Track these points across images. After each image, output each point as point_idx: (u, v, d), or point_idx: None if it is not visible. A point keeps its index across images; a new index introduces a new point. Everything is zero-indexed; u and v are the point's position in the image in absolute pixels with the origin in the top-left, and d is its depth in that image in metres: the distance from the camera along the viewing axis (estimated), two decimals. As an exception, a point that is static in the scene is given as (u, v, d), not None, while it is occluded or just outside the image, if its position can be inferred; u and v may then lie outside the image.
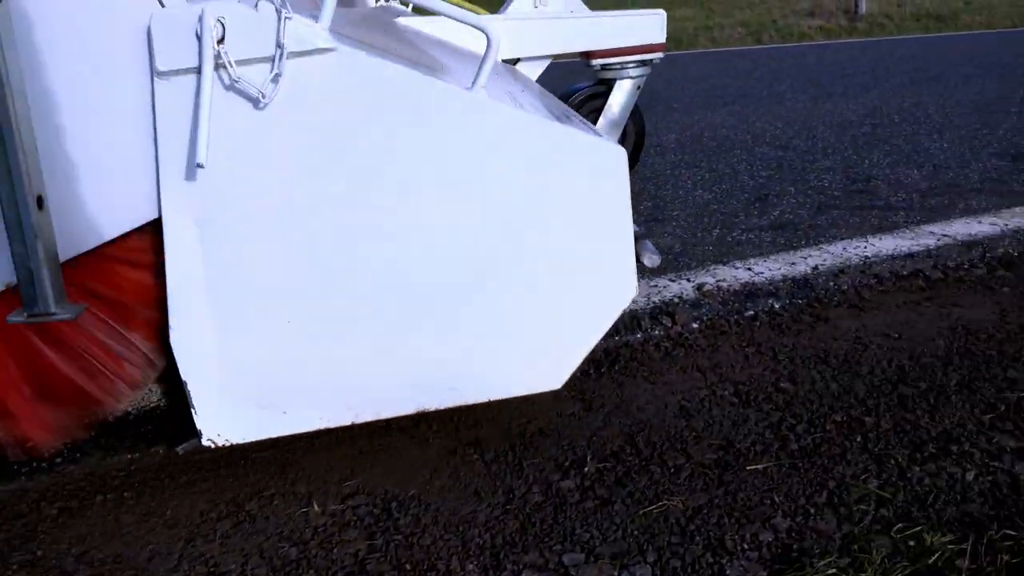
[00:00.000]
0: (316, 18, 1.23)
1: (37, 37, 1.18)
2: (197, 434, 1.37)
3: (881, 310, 1.99)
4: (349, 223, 1.30)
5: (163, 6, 1.19)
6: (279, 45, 1.18)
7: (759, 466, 1.40)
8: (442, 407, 1.44)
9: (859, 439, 1.46)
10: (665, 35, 1.88)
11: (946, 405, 1.55)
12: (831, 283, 2.16)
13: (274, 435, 1.40)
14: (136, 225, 1.28)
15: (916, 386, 1.63)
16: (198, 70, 1.18)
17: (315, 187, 1.28)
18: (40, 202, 1.20)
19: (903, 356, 1.75)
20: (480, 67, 1.28)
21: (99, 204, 1.26)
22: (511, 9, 1.95)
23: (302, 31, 1.19)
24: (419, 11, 1.90)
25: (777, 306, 2.02)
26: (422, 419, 1.58)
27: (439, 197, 1.31)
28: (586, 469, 1.41)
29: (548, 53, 1.90)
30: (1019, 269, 2.21)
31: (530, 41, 1.84)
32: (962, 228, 2.57)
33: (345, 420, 1.41)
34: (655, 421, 1.55)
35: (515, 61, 1.95)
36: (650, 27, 1.72)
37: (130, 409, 1.65)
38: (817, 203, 2.91)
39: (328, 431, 1.54)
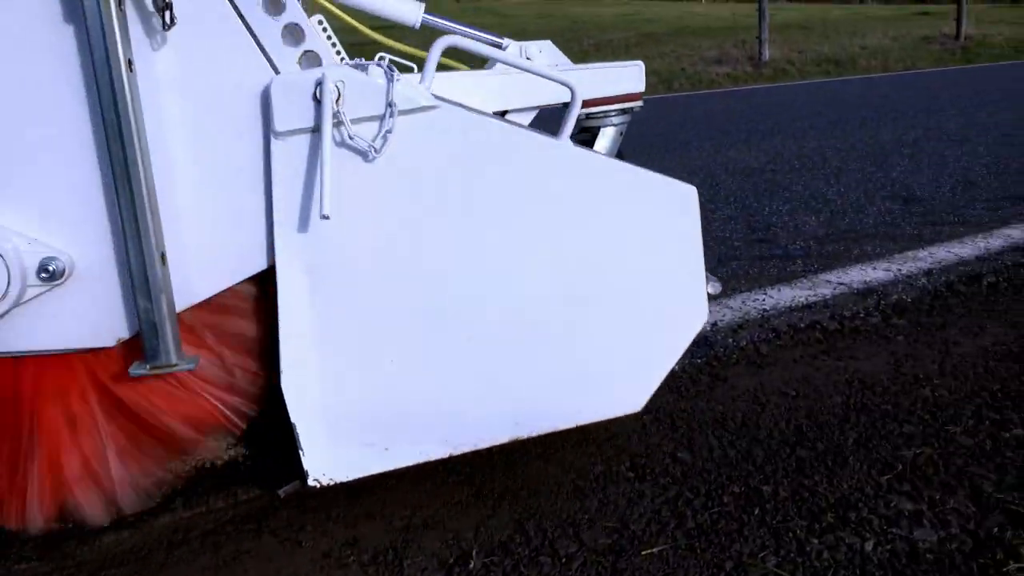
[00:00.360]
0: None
1: (158, 100, 1.24)
2: (302, 475, 1.40)
3: (779, 366, 1.96)
4: (448, 266, 1.39)
5: (278, 72, 1.27)
6: (390, 104, 1.27)
7: (654, 549, 1.32)
8: (533, 435, 1.50)
9: (757, 511, 1.40)
10: (644, 84, 1.90)
11: (843, 467, 1.52)
12: (730, 339, 2.13)
13: (375, 471, 1.45)
14: (246, 276, 1.35)
15: (814, 448, 1.59)
16: (313, 129, 1.27)
17: (417, 234, 1.36)
18: (163, 258, 1.26)
19: (801, 415, 1.72)
20: (566, 119, 1.42)
21: (211, 256, 1.32)
22: (499, 64, 1.95)
23: (408, 91, 1.29)
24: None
25: (676, 367, 1.97)
26: (296, 520, 1.46)
27: (531, 238, 1.41)
28: (471, 565, 1.31)
29: (536, 105, 1.94)
30: (912, 316, 2.23)
31: (519, 94, 1.87)
32: (858, 275, 2.59)
33: (442, 453, 1.47)
34: (547, 505, 1.46)
35: (503, 113, 1.94)
36: (630, 78, 1.78)
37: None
38: (718, 255, 2.91)
39: (184, 538, 1.42)
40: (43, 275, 1.23)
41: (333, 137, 1.28)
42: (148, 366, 1.28)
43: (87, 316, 1.29)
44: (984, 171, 4.14)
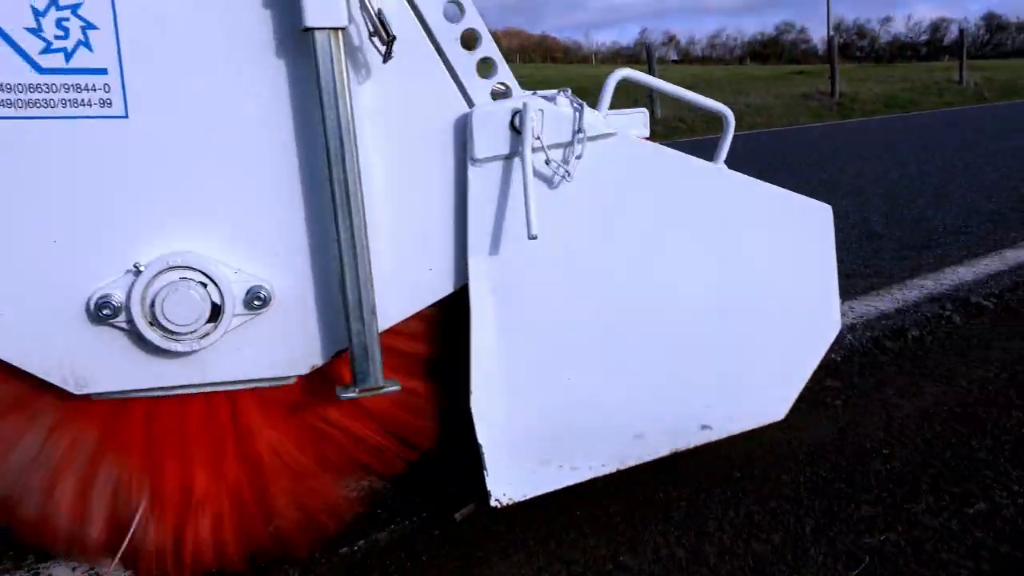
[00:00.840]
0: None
1: (360, 130, 1.26)
2: (483, 496, 1.42)
3: (720, 443, 1.79)
4: (622, 285, 1.46)
5: (471, 104, 1.32)
6: (580, 131, 1.35)
7: None
8: (690, 446, 1.58)
9: (718, 627, 1.21)
10: (649, 130, 1.81)
11: (806, 563, 1.34)
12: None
13: (550, 489, 1.48)
14: (437, 299, 1.38)
15: (769, 540, 1.41)
16: (507, 156, 1.34)
17: (596, 252, 1.42)
18: (371, 283, 1.27)
19: (749, 500, 1.54)
20: (721, 144, 1.63)
21: (403, 282, 1.35)
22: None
23: (591, 119, 1.37)
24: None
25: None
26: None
27: (692, 255, 1.50)
28: None
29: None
30: (845, 377, 2.11)
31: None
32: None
33: (611, 468, 1.53)
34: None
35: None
36: (638, 123, 1.68)
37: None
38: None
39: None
40: (255, 303, 1.25)
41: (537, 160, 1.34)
42: (357, 389, 1.28)
43: (283, 345, 1.30)
44: (884, 221, 4.18)
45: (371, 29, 1.21)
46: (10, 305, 1.19)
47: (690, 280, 1.51)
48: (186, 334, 1.22)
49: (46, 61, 1.15)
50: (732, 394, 1.60)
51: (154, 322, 1.21)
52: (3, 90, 1.14)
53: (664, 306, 1.50)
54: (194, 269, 1.22)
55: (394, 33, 1.21)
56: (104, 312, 1.20)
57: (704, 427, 1.59)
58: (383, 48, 1.22)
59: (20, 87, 1.14)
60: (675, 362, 1.53)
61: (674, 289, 1.50)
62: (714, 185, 1.50)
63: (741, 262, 1.54)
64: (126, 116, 1.19)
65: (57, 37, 1.14)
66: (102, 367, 1.25)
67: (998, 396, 1.93)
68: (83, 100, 1.17)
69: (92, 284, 1.22)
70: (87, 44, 1.16)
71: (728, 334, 1.56)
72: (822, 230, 1.61)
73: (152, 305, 1.20)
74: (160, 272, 1.20)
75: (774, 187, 1.55)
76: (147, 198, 1.21)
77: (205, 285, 1.22)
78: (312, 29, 1.17)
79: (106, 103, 1.18)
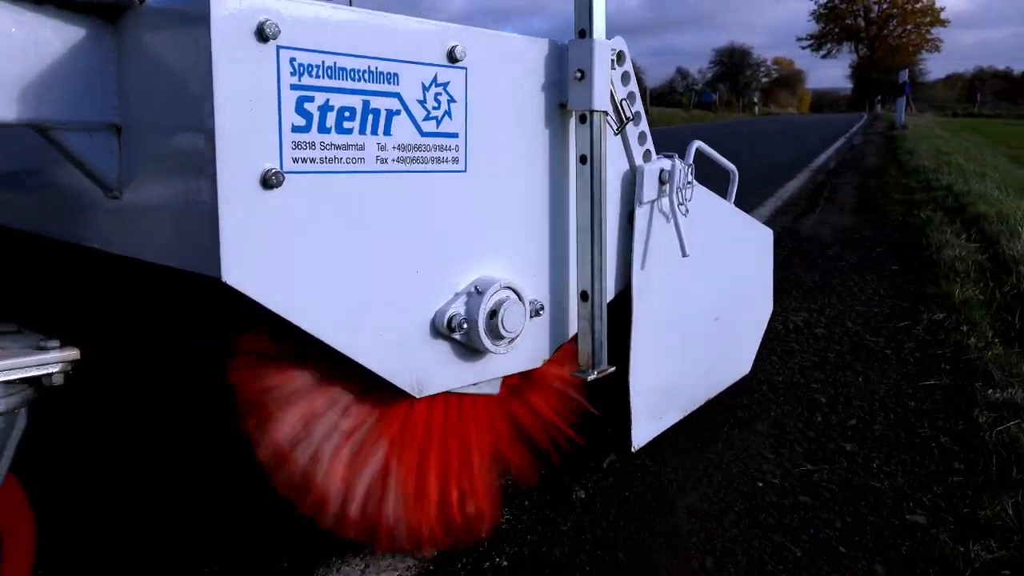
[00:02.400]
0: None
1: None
2: (623, 447, 2.00)
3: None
4: (694, 286, 2.10)
5: (637, 164, 1.86)
6: (691, 182, 1.97)
7: None
8: (711, 397, 2.33)
9: None
10: None
11: (784, 442, 2.11)
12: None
13: (652, 437, 2.08)
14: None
15: (759, 430, 2.15)
16: (655, 200, 1.91)
17: (684, 265, 2.00)
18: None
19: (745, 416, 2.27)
20: (731, 191, 2.38)
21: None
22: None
23: (687, 172, 1.95)
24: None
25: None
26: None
27: (725, 264, 2.24)
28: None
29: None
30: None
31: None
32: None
33: (679, 416, 2.19)
34: None
35: None
36: None
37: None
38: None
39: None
40: (539, 313, 1.68)
41: (668, 203, 1.94)
42: (595, 371, 1.71)
43: (532, 344, 1.70)
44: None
45: (610, 112, 1.69)
46: (383, 325, 1.43)
47: (723, 282, 2.20)
48: (508, 340, 1.57)
49: (426, 127, 1.44)
50: (731, 359, 2.36)
51: (490, 331, 1.54)
52: (402, 149, 1.40)
53: (710, 301, 2.17)
54: (510, 288, 1.57)
55: (630, 116, 1.71)
56: (452, 326, 1.50)
57: (718, 382, 2.31)
58: (615, 125, 1.71)
59: (410, 147, 1.42)
60: (711, 339, 2.22)
61: (717, 289, 2.18)
62: (733, 217, 2.22)
63: (741, 268, 2.28)
64: (465, 171, 1.51)
65: (433, 108, 1.44)
66: (434, 373, 1.53)
67: (807, 351, 2.95)
68: (443, 158, 1.47)
69: (434, 305, 1.51)
70: (449, 114, 1.47)
71: (733, 318, 2.28)
72: (768, 245, 2.44)
73: (492, 317, 1.53)
74: (495, 292, 1.54)
75: (751, 218, 2.31)
76: (470, 234, 1.54)
77: (521, 300, 1.58)
78: (593, 111, 1.62)
79: (456, 160, 1.49)
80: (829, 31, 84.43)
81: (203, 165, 1.19)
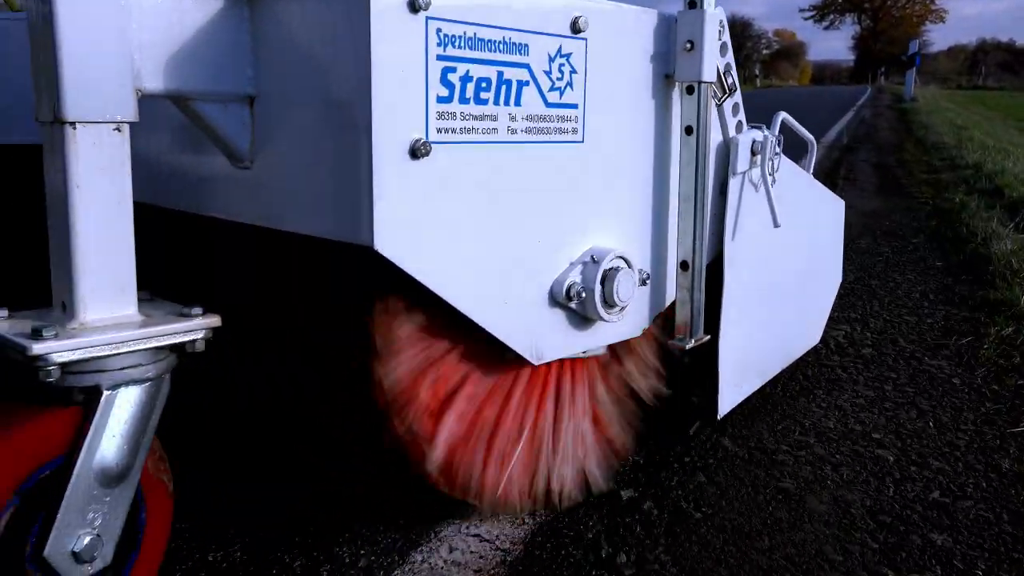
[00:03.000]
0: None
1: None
2: (711, 415, 2.01)
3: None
4: (777, 256, 2.11)
5: (731, 135, 1.86)
6: (778, 153, 1.98)
7: None
8: (786, 365, 2.34)
9: None
10: None
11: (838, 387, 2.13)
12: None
13: (735, 405, 2.07)
14: None
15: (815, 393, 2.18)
16: (747, 170, 1.90)
17: (773, 233, 2.04)
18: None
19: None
20: (808, 161, 2.43)
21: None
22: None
23: (776, 143, 1.95)
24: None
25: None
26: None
27: (802, 233, 2.25)
28: None
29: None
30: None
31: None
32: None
33: (759, 384, 2.20)
34: None
35: None
36: None
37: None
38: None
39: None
40: (645, 282, 1.72)
41: (758, 174, 1.94)
42: (693, 339, 1.75)
43: (635, 313, 1.71)
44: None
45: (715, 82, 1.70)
46: (509, 294, 1.46)
47: (802, 252, 2.22)
48: (619, 309, 1.59)
49: (551, 97, 1.45)
50: (804, 328, 2.38)
51: (604, 300, 1.56)
52: (530, 120, 1.42)
53: (791, 271, 2.19)
54: (622, 258, 1.59)
55: (731, 87, 1.72)
56: (571, 295, 1.52)
57: (793, 351, 2.34)
58: (720, 95, 1.72)
59: (537, 117, 1.43)
60: (790, 308, 2.24)
61: (797, 258, 2.20)
62: (811, 187, 2.24)
63: (817, 238, 2.30)
64: (583, 142, 1.53)
65: (557, 78, 1.45)
66: (551, 340, 1.56)
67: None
68: (564, 128, 1.49)
69: (553, 274, 1.53)
70: (571, 85, 1.48)
71: (807, 289, 2.31)
72: (840, 215, 2.46)
73: (607, 286, 1.55)
74: (611, 261, 1.56)
75: (826, 188, 2.32)
76: (585, 204, 1.56)
77: (631, 269, 1.61)
78: (701, 83, 1.63)
79: (575, 131, 1.51)
80: (832, 1, 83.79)
81: (356, 136, 1.21)
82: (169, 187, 1.61)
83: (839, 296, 3.02)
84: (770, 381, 2.30)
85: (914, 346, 2.81)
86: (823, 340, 2.65)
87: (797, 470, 1.90)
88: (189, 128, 1.48)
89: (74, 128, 1.18)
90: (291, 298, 1.72)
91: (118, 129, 1.22)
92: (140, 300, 1.31)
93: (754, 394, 2.19)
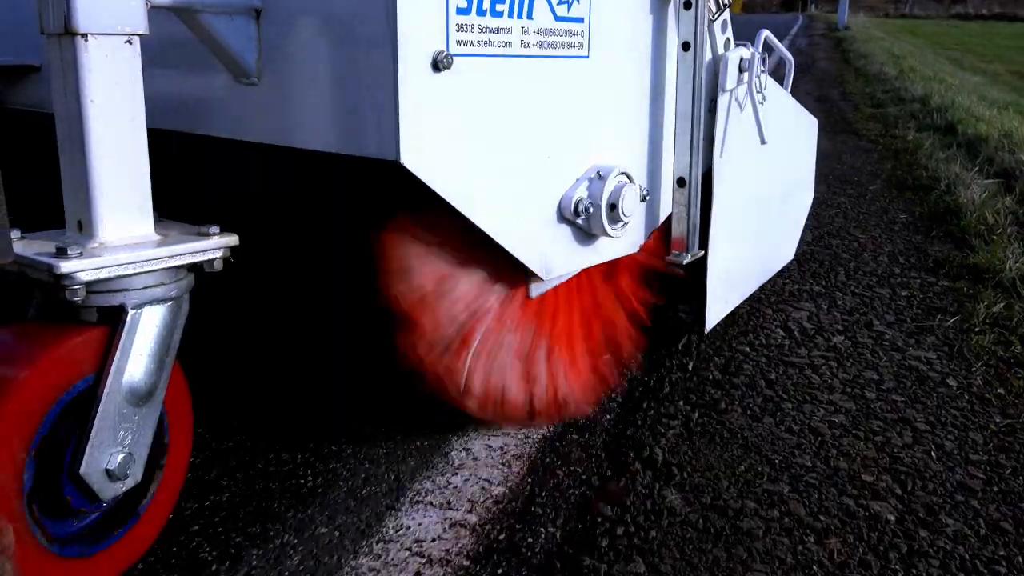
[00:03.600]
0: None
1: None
2: (699, 329, 2.07)
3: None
4: (761, 172, 2.16)
5: (719, 52, 1.90)
6: (764, 71, 2.01)
7: None
8: (762, 283, 2.41)
9: None
10: None
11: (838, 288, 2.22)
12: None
13: (719, 320, 2.12)
14: None
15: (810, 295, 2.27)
16: (735, 88, 1.92)
17: (757, 150, 2.09)
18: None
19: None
20: (787, 79, 2.35)
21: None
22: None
23: (762, 60, 1.97)
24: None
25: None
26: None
27: (783, 150, 2.29)
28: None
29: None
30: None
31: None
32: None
33: (738, 301, 2.26)
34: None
35: None
36: None
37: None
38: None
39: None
40: (645, 199, 1.75)
41: (745, 91, 1.97)
42: (688, 255, 1.80)
43: (634, 231, 1.74)
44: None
45: (711, -4, 1.71)
46: (521, 210, 1.47)
47: (782, 169, 2.27)
48: (622, 224, 1.62)
49: (559, 10, 1.45)
50: (780, 245, 2.44)
51: (610, 216, 1.59)
52: (540, 34, 1.41)
53: (771, 188, 2.24)
54: (624, 173, 1.62)
55: (727, 2, 1.73)
56: (579, 210, 1.54)
57: (769, 268, 2.41)
58: (715, 11, 1.74)
59: (547, 31, 1.43)
60: (769, 225, 2.30)
61: (778, 176, 2.25)
62: (789, 105, 2.28)
63: (794, 156, 2.35)
64: (588, 57, 1.53)
65: (566, -9, 1.45)
66: (559, 257, 1.58)
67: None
68: (571, 43, 1.49)
69: (560, 190, 1.54)
70: (579, -2, 1.48)
71: (785, 206, 2.37)
72: (814, 134, 2.51)
73: (612, 202, 1.58)
74: (616, 176, 1.58)
75: (800, 106, 2.37)
76: (590, 120, 1.57)
77: (634, 185, 1.63)
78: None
79: (581, 46, 1.51)
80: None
81: (379, 48, 1.19)
82: (163, 108, 1.56)
83: (800, 264, 2.83)
84: (724, 394, 1.91)
85: (893, 331, 2.30)
86: (785, 327, 2.32)
87: (771, 547, 1.35)
88: (182, 46, 1.44)
89: (86, 40, 1.14)
90: (297, 215, 1.71)
91: (129, 42, 1.18)
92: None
93: (705, 417, 1.79)
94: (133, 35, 1.19)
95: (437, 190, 1.29)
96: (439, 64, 1.23)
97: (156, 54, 1.55)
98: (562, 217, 1.56)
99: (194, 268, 1.29)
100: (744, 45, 1.98)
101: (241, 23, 1.34)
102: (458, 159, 1.31)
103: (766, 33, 2.11)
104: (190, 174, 1.81)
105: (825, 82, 9.78)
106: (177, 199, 1.67)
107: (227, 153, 1.60)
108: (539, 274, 1.55)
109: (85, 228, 1.20)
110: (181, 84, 1.53)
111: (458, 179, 1.32)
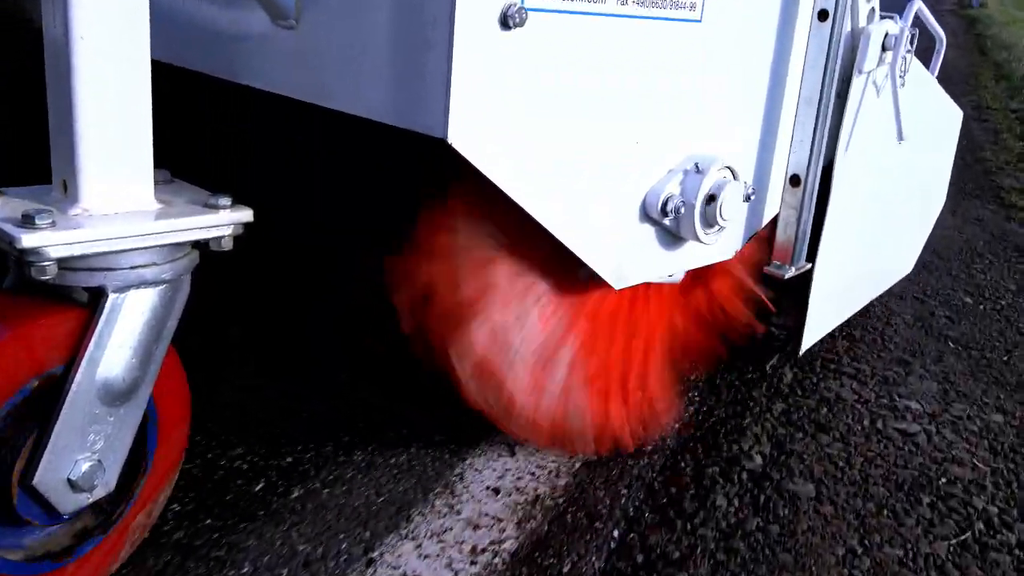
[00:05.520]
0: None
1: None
2: (793, 350, 1.79)
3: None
4: (889, 171, 1.82)
5: (861, 24, 1.51)
6: (910, 51, 1.63)
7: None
8: (873, 297, 2.03)
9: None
10: None
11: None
12: None
13: (822, 336, 1.81)
14: None
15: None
16: (875, 68, 1.55)
17: (890, 145, 1.75)
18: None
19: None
20: (935, 62, 1.94)
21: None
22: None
23: (910, 38, 1.62)
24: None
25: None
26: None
27: (917, 145, 1.88)
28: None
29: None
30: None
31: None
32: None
33: (844, 318, 1.95)
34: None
35: None
36: None
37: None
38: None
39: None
40: (750, 198, 1.43)
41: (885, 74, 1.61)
42: (794, 267, 1.52)
43: (730, 234, 1.44)
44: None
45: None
46: (596, 204, 1.21)
47: (913, 168, 1.94)
48: (719, 228, 1.35)
49: (670, -37, 1.16)
50: (898, 255, 2.11)
51: (705, 218, 1.31)
52: (643, -10, 1.13)
53: (897, 190, 1.91)
54: (728, 167, 1.34)
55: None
56: (667, 210, 1.27)
57: (884, 281, 2.10)
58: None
59: (653, -12, 1.15)
60: (888, 233, 1.98)
61: (907, 176, 1.92)
62: (934, 94, 1.94)
63: (929, 153, 2.01)
64: (700, 21, 1.24)
65: (679, -60, 1.16)
66: (635, 262, 1.32)
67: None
68: (681, 2, 1.20)
69: (648, 183, 1.28)
70: (695, -50, 1.19)
71: (911, 209, 2.03)
72: (956, 127, 2.13)
73: (711, 202, 1.30)
74: (717, 170, 1.30)
75: (945, 93, 2.01)
76: (693, 100, 1.29)
77: (737, 183, 1.35)
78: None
79: (693, 7, 1.22)
80: None
81: (433, -6, 0.94)
82: (196, 45, 1.34)
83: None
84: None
85: None
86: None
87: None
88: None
89: (76, -39, 0.92)
90: (334, 187, 1.49)
91: (132, -35, 0.96)
92: (157, 183, 1.08)
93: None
94: (139, -45, 0.96)
95: (493, 178, 1.04)
96: (510, 19, 0.97)
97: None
98: (646, 215, 1.29)
99: (198, 245, 1.09)
100: (891, 17, 1.64)
101: (279, -49, 1.11)
102: (524, 140, 1.06)
103: (918, 4, 1.76)
104: (219, 125, 1.60)
105: (951, 86, 7.36)
106: (202, 154, 1.47)
107: (262, 106, 1.37)
108: (610, 282, 1.29)
109: (70, 190, 1.00)
110: (217, 17, 1.30)
111: (522, 165, 1.07)
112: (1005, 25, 11.54)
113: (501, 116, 1.02)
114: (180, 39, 1.37)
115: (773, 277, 1.54)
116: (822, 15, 1.38)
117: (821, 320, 1.81)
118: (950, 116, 2.10)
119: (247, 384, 1.60)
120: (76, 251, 0.94)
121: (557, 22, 1.03)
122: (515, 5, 0.97)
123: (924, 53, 1.75)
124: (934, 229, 2.23)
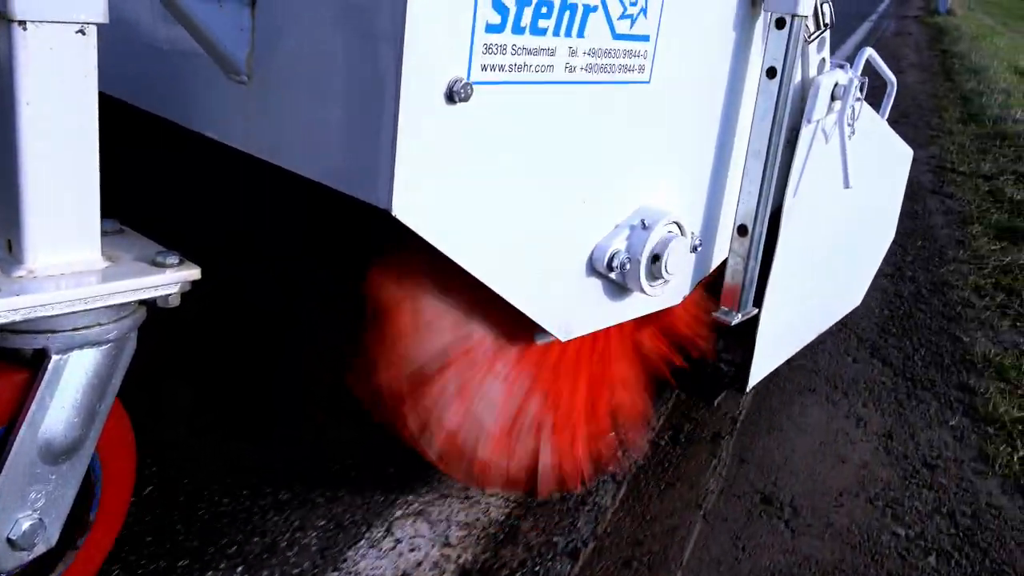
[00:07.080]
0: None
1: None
2: (740, 386, 1.77)
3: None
4: (836, 213, 1.83)
5: (810, 75, 1.56)
6: (859, 99, 1.64)
7: None
8: (820, 332, 2.06)
9: None
10: None
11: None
12: None
13: (766, 374, 1.83)
14: None
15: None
16: (823, 117, 1.58)
17: (837, 190, 1.72)
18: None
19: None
20: (885, 105, 1.97)
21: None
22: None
23: (859, 87, 1.63)
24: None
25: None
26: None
27: (865, 186, 1.89)
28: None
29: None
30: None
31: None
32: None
33: (791, 353, 1.96)
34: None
35: None
36: None
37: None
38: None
39: None
40: (696, 249, 1.46)
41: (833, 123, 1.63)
42: (741, 314, 1.54)
43: (679, 282, 1.46)
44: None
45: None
46: (542, 262, 1.23)
47: (860, 208, 1.97)
48: (663, 282, 1.37)
49: (619, 27, 1.18)
50: (846, 290, 2.15)
51: (650, 273, 1.34)
52: (592, 55, 1.15)
53: (845, 229, 1.95)
54: (675, 222, 1.36)
55: (828, 22, 1.44)
56: (613, 265, 1.30)
57: (831, 316, 2.12)
58: (812, 30, 1.45)
59: (600, 52, 1.17)
60: (836, 270, 2.02)
61: (854, 216, 1.96)
62: (884, 136, 1.96)
63: (878, 191, 2.05)
64: (649, 82, 1.27)
65: (631, 3, 1.18)
66: (582, 314, 1.34)
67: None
68: (630, 66, 1.23)
69: (594, 239, 1.30)
70: (645, 11, 1.21)
71: (858, 248, 2.08)
72: (906, 166, 2.18)
73: (655, 259, 1.33)
74: (663, 226, 1.33)
75: (895, 134, 2.05)
76: (640, 156, 1.32)
77: (684, 237, 1.38)
78: (795, 16, 1.36)
79: (642, 69, 1.25)
80: None
81: (381, 68, 0.95)
82: (157, 88, 1.35)
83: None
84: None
85: None
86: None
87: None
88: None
89: (24, 28, 0.92)
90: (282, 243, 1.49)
91: (82, 32, 0.96)
92: (107, 233, 1.09)
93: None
94: (88, 23, 0.97)
95: (439, 246, 1.06)
96: (455, 95, 0.99)
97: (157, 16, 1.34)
98: (592, 269, 1.31)
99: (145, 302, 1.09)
100: (842, 66, 1.68)
101: (232, 10, 1.12)
102: (469, 209, 1.08)
103: (869, 52, 1.80)
104: (179, 172, 1.60)
105: (913, 126, 5.34)
106: (159, 196, 1.47)
107: (218, 157, 1.37)
108: (557, 335, 1.31)
109: (14, 250, 1.00)
110: (177, 62, 1.30)
111: (467, 233, 1.09)
112: (974, 40, 10.98)
113: (447, 188, 1.04)
114: (141, 80, 1.37)
115: (720, 323, 1.57)
116: (770, 72, 1.41)
117: (768, 358, 1.85)
118: (900, 156, 2.14)
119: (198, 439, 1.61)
120: (19, 316, 0.95)
121: (503, 94, 1.05)
122: (461, 80, 0.99)
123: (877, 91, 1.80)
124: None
